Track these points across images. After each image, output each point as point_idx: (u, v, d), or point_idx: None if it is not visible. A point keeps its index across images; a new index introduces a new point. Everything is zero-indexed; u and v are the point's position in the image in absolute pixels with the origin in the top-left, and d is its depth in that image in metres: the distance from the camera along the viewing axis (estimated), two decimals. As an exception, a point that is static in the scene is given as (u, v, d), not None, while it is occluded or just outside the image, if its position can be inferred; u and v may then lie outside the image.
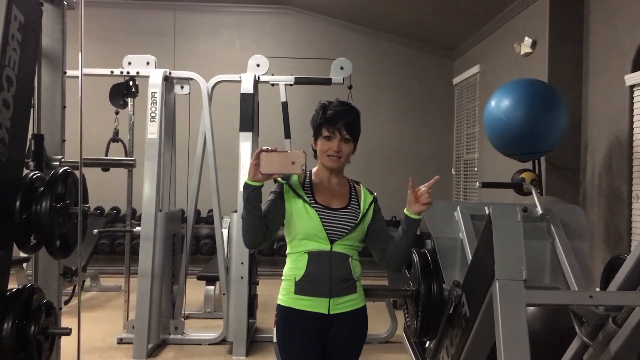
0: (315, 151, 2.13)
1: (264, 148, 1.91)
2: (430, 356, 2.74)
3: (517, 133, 3.86)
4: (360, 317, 2.12)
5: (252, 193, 1.96)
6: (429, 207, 2.04)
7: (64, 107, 2.97)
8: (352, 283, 2.08)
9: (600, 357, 2.22)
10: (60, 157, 2.84)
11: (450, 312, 2.45)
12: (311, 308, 2.03)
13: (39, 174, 2.26)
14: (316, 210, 2.04)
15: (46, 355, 2.30)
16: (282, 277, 2.11)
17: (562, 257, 2.70)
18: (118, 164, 2.92)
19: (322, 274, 2.02)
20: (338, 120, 2.04)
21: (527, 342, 1.99)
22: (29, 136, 2.49)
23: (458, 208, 2.87)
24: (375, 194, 2.22)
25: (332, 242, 2.04)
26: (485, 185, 3.41)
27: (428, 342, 2.76)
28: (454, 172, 7.96)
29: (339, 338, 2.07)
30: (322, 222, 2.03)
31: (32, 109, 2.57)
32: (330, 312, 2.03)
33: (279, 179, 2.09)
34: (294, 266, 2.07)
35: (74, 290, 6.21)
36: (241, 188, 2.13)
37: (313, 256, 2.03)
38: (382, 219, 2.20)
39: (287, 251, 2.12)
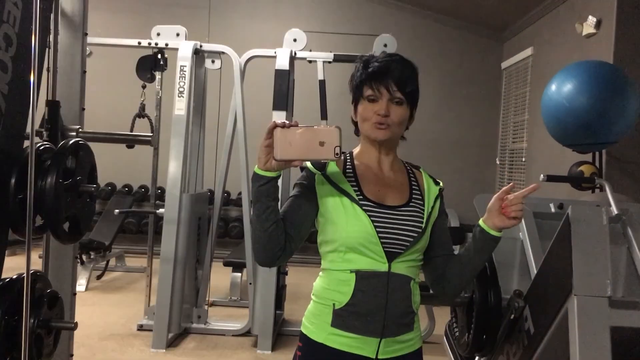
0: (355, 124, 1.54)
1: (280, 122, 1.32)
2: (480, 372, 2.41)
3: (580, 121, 3.43)
4: None
5: (263, 187, 1.37)
6: (517, 224, 1.48)
7: (84, 72, 2.70)
8: (411, 317, 1.49)
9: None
10: (78, 127, 2.56)
11: (509, 325, 2.11)
12: (352, 349, 1.43)
13: (47, 145, 1.98)
14: (365, 210, 1.43)
15: (48, 350, 2.05)
16: (312, 296, 1.52)
17: (642, 265, 2.31)
18: (134, 140, 2.63)
19: (375, 306, 1.42)
20: (385, 74, 1.45)
21: (610, 373, 1.64)
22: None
23: (518, 204, 2.50)
24: (442, 183, 1.60)
25: (390, 259, 1.43)
26: (550, 178, 3.02)
27: (477, 357, 2.42)
28: (498, 162, 7.52)
29: None
30: (375, 228, 1.42)
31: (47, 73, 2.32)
32: (379, 357, 1.45)
33: (308, 165, 1.49)
34: (333, 288, 1.46)
35: (107, 265, 6.05)
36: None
37: (363, 279, 1.42)
38: (447, 225, 1.59)
39: (323, 266, 1.51)
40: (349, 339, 1.44)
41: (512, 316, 2.05)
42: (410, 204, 1.50)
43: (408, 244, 1.45)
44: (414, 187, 1.54)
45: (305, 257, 6.86)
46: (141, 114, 4.62)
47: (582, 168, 3.78)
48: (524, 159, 6.54)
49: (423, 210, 1.50)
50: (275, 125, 1.32)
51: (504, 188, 1.50)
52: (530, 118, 6.35)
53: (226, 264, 5.32)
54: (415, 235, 1.46)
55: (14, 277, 1.85)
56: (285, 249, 1.43)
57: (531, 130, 6.33)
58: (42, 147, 1.97)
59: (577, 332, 1.65)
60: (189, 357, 3.95)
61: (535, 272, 2.13)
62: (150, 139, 2.37)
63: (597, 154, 3.96)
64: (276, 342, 4.26)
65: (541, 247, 2.28)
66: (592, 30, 4.67)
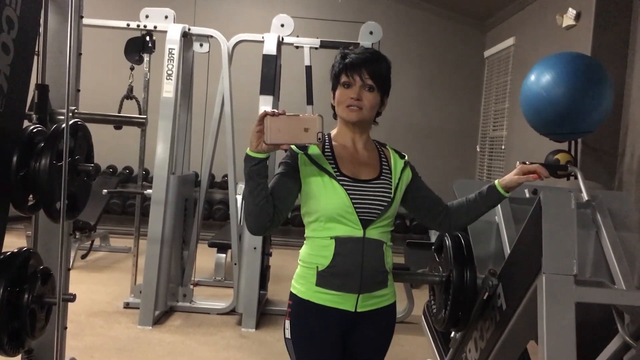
0: (334, 108, 1.78)
1: (269, 111, 1.55)
2: (455, 347, 2.55)
3: (558, 111, 3.58)
4: (389, 315, 1.80)
5: (255, 167, 1.59)
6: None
7: (80, 54, 2.75)
8: (385, 276, 1.75)
9: (645, 361, 2.01)
10: (74, 108, 2.62)
11: (483, 302, 2.25)
12: (334, 304, 1.69)
13: (40, 128, 2.06)
14: (342, 185, 1.67)
15: (41, 325, 2.13)
16: (299, 261, 1.77)
17: (608, 248, 2.45)
18: (127, 121, 2.70)
19: (352, 266, 1.67)
20: (360, 64, 1.68)
21: (574, 344, 1.78)
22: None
23: (495, 189, 2.63)
24: (407, 156, 1.86)
25: (365, 226, 1.68)
26: (525, 166, 3.16)
27: (453, 332, 2.56)
28: (478, 149, 7.68)
29: (365, 339, 1.76)
30: (351, 199, 1.66)
31: (37, 56, 2.37)
32: (357, 310, 1.71)
33: (293, 147, 1.71)
34: (316, 253, 1.70)
35: (91, 244, 6.11)
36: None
37: (341, 243, 1.67)
38: (425, 183, 1.89)
39: (307, 234, 1.75)
40: (331, 295, 1.69)
41: (487, 294, 2.18)
42: (381, 177, 1.75)
43: (379, 212, 1.70)
44: (383, 162, 1.79)
45: (288, 240, 7.00)
46: (129, 95, 4.67)
47: (558, 156, 3.92)
48: (503, 147, 6.69)
49: (391, 182, 1.76)
50: (266, 114, 1.55)
51: (527, 164, 1.90)
52: (511, 107, 6.49)
53: (211, 245, 5.41)
54: (386, 204, 1.72)
55: (15, 251, 1.94)
56: (273, 219, 1.66)
57: (511, 119, 6.47)
58: (35, 130, 2.04)
59: (544, 307, 1.78)
60: (175, 334, 4.05)
61: (509, 252, 2.27)
62: (143, 120, 2.44)
63: (573, 142, 4.11)
64: (259, 321, 4.37)
65: (515, 230, 2.41)
66: (571, 22, 4.80)
